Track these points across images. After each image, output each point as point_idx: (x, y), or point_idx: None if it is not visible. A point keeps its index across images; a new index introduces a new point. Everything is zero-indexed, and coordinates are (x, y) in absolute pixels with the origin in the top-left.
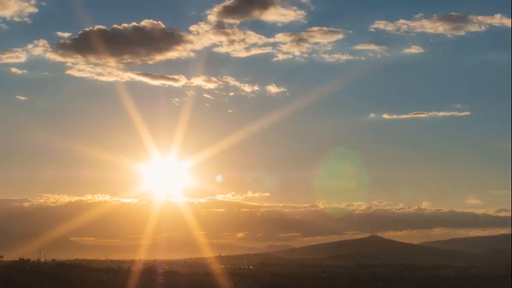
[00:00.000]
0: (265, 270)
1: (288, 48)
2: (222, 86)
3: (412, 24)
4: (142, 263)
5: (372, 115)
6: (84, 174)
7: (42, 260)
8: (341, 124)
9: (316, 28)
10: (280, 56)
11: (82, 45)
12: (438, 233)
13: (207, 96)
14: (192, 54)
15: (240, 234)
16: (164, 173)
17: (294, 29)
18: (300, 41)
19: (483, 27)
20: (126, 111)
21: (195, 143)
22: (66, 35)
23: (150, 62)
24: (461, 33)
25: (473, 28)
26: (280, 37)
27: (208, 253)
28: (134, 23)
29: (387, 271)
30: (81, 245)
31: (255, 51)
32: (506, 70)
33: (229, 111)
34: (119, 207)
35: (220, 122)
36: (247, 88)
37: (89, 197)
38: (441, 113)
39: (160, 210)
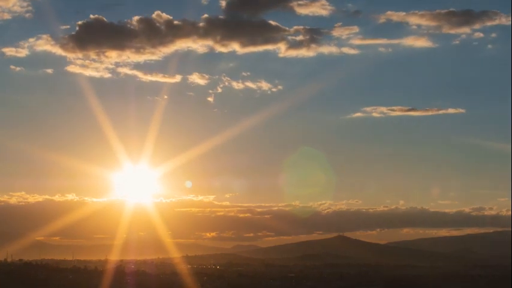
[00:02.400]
0: (232, 270)
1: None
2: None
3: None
4: (109, 263)
5: (357, 114)
6: (53, 173)
7: (9, 260)
8: (320, 123)
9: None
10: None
11: None
12: (407, 233)
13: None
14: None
15: (207, 234)
16: (135, 175)
17: None
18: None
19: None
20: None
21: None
22: None
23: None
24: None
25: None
26: None
27: (175, 253)
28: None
29: (354, 271)
30: (48, 245)
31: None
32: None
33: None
34: (86, 207)
35: (200, 121)
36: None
37: (57, 197)
38: (427, 112)
39: (129, 210)
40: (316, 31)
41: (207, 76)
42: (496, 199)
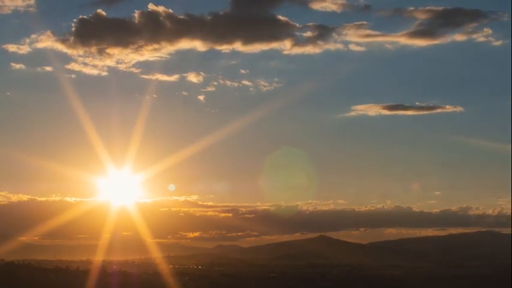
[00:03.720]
0: (214, 270)
1: None
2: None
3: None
4: (91, 263)
5: (349, 113)
6: (37, 174)
7: None
8: (311, 122)
9: None
10: None
11: None
12: (391, 233)
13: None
14: None
15: (190, 234)
16: (119, 176)
17: None
18: None
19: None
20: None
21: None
22: None
23: None
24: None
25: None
26: None
27: (157, 253)
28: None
29: (335, 271)
30: (30, 244)
31: None
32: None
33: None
34: (69, 207)
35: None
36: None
37: (40, 197)
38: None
39: (112, 210)
40: (325, 27)
41: (203, 74)
42: (482, 199)
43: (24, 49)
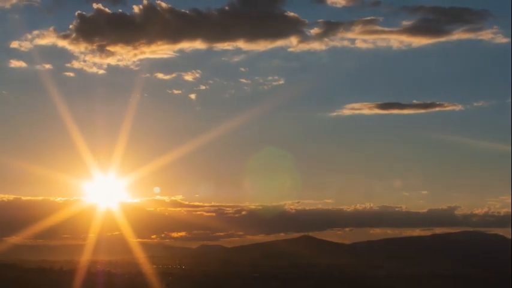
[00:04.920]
0: (197, 270)
1: None
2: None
3: None
4: (75, 263)
5: (342, 111)
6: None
7: None
8: (303, 121)
9: None
10: None
11: None
12: (375, 233)
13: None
14: None
15: (175, 234)
16: (104, 175)
17: None
18: None
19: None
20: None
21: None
22: None
23: None
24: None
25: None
26: None
27: (141, 253)
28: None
29: (318, 271)
30: (14, 244)
31: None
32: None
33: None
34: (54, 206)
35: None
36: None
37: (24, 196)
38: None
39: (97, 210)
40: (332, 23)
41: (200, 72)
42: (470, 199)
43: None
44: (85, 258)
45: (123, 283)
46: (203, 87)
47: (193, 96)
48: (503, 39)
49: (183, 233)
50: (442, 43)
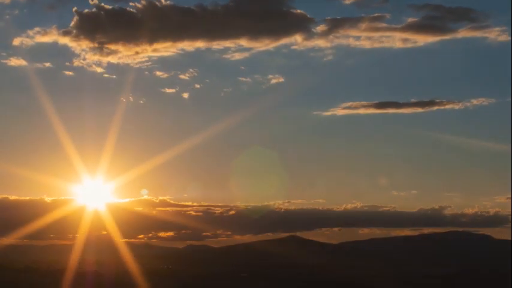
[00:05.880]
0: (184, 270)
1: None
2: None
3: None
4: (62, 263)
5: (337, 111)
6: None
7: None
8: (296, 121)
9: None
10: None
11: None
12: (364, 233)
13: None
14: None
15: (163, 234)
16: (92, 175)
17: None
18: None
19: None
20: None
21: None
22: None
23: None
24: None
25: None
26: None
27: (129, 253)
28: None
29: (305, 272)
30: (1, 245)
31: None
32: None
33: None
34: (41, 206)
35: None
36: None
37: (10, 196)
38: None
39: (85, 210)
40: (339, 20)
41: (197, 70)
42: (464, 199)
43: None
44: (72, 258)
45: (110, 283)
46: (197, 86)
47: (186, 95)
48: (508, 38)
49: (171, 233)
50: (447, 41)
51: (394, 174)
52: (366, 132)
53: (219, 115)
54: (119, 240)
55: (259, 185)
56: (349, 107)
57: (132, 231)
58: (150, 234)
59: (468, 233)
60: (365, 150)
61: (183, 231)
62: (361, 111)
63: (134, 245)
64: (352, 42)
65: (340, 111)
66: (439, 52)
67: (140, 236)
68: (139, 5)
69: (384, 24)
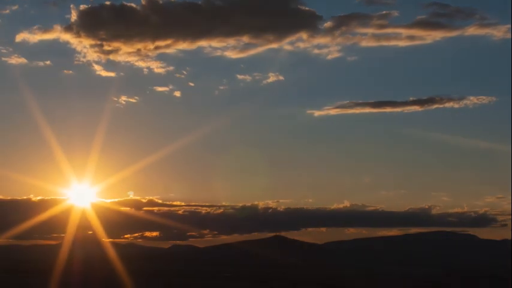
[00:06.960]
0: (168, 269)
1: None
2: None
3: None
4: (47, 263)
5: (328, 110)
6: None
7: None
8: (288, 120)
9: None
10: None
11: None
12: (350, 232)
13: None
14: None
15: (148, 234)
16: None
17: None
18: None
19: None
20: None
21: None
22: None
23: None
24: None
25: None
26: None
27: (114, 253)
28: None
29: (290, 271)
30: None
31: None
32: None
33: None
34: (26, 206)
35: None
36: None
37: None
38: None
39: (71, 209)
40: (345, 17)
41: (194, 69)
42: (443, 198)
43: None
44: (57, 258)
45: (95, 283)
46: (191, 84)
47: (178, 93)
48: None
49: (156, 233)
50: (452, 39)
51: (383, 173)
52: (356, 132)
53: (210, 114)
54: (105, 240)
55: (247, 185)
56: (342, 106)
57: (118, 231)
58: (136, 234)
59: (453, 233)
60: (355, 150)
61: (169, 231)
62: (356, 110)
63: (120, 245)
64: (358, 39)
65: (332, 111)
66: (440, 51)
67: (126, 236)
68: (140, 2)
69: (390, 22)
